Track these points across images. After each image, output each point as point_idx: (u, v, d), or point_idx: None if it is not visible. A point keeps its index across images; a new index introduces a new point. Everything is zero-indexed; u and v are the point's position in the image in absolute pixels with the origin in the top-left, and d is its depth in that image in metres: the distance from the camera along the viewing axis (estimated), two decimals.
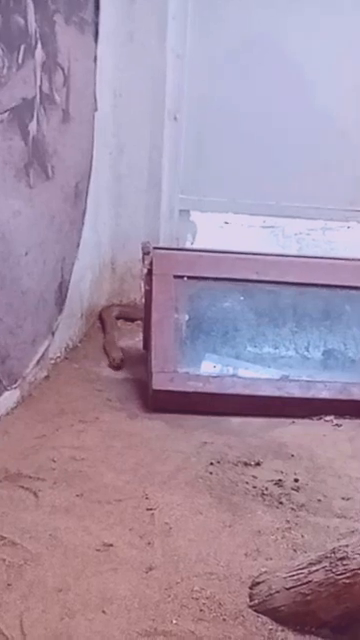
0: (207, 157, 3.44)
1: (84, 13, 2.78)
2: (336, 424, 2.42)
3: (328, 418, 2.44)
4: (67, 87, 2.63)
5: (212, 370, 2.60)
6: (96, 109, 3.00)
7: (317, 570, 1.47)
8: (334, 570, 1.44)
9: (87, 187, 2.97)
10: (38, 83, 2.36)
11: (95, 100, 2.99)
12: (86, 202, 2.98)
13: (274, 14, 3.31)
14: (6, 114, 2.15)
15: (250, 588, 1.56)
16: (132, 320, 3.31)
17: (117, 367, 2.81)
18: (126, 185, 3.37)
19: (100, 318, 3.31)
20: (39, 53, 2.34)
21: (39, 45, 2.34)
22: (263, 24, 3.33)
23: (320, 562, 1.48)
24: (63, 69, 2.58)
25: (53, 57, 2.48)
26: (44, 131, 2.42)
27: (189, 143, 3.42)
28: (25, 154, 2.30)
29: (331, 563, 1.46)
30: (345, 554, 1.45)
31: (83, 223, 2.96)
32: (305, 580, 1.48)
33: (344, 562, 1.44)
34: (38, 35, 2.32)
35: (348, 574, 1.42)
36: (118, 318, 3.33)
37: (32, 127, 2.33)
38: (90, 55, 2.92)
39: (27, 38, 2.25)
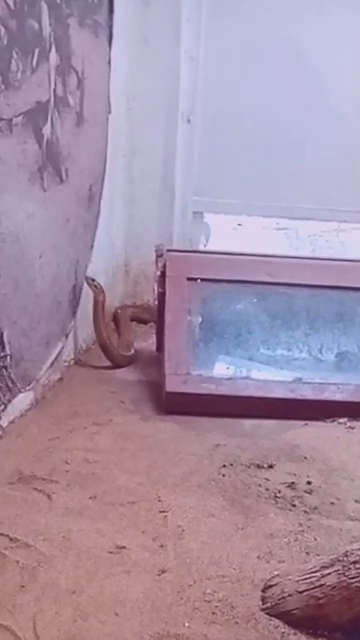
0: (220, 159, 3.44)
1: (98, 16, 2.79)
2: (349, 426, 2.41)
3: (341, 420, 2.43)
4: (81, 90, 2.64)
5: (225, 372, 2.60)
6: (110, 112, 3.02)
7: (330, 573, 1.47)
8: (347, 573, 1.44)
9: (101, 190, 2.99)
10: (52, 86, 2.37)
11: (109, 103, 3.01)
12: (100, 205, 2.99)
13: (289, 16, 3.31)
14: (20, 117, 2.16)
15: (262, 591, 1.56)
16: (145, 322, 3.33)
17: (116, 361, 2.82)
18: (139, 187, 3.39)
19: (114, 319, 3.33)
20: (53, 56, 2.36)
21: (53, 48, 2.35)
22: (277, 26, 3.33)
23: (333, 565, 1.48)
24: (77, 72, 2.59)
25: (67, 60, 2.49)
26: (58, 134, 2.44)
27: (202, 145, 3.42)
28: (39, 157, 2.31)
29: (344, 566, 1.45)
30: (358, 557, 1.44)
31: (97, 226, 2.97)
32: (318, 583, 1.47)
33: (357, 565, 1.43)
34: (52, 39, 2.33)
35: None
36: (131, 320, 3.35)
37: (46, 130, 2.34)
38: (104, 58, 2.93)
39: (41, 42, 2.26)
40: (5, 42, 2.02)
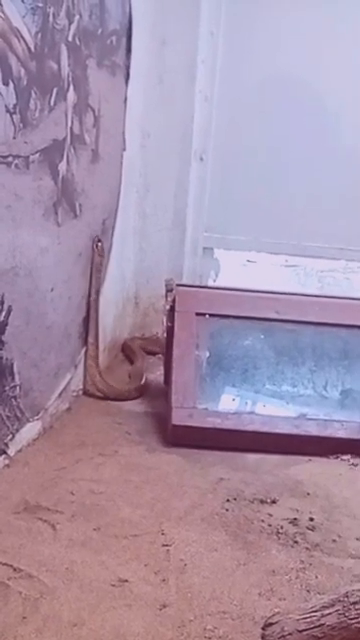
0: (231, 197, 3.50)
1: (116, 57, 2.86)
2: (352, 463, 2.42)
3: (345, 457, 2.45)
4: (97, 128, 2.70)
5: (231, 405, 2.62)
6: (124, 149, 3.08)
7: (330, 613, 1.47)
8: (347, 614, 1.45)
9: (113, 224, 3.04)
10: (69, 124, 2.43)
11: (124, 140, 3.07)
12: (112, 239, 3.04)
13: (302, 58, 3.38)
14: (37, 155, 2.21)
15: (263, 629, 1.56)
16: (153, 354, 3.36)
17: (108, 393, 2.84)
18: (151, 223, 3.44)
19: (123, 349, 3.37)
20: (71, 96, 2.42)
21: (71, 88, 2.41)
22: (291, 67, 3.40)
23: (333, 605, 1.48)
24: (94, 110, 2.66)
25: (84, 99, 2.55)
26: (73, 171, 2.49)
27: (214, 183, 3.48)
28: (54, 193, 2.36)
29: (344, 607, 1.46)
30: (358, 598, 1.45)
31: (109, 259, 3.02)
32: (318, 623, 1.48)
33: (357, 606, 1.44)
34: (70, 79, 2.40)
35: None
36: None
37: (62, 167, 2.40)
38: (120, 96, 3.00)
39: (60, 82, 2.33)
40: (25, 82, 2.09)
